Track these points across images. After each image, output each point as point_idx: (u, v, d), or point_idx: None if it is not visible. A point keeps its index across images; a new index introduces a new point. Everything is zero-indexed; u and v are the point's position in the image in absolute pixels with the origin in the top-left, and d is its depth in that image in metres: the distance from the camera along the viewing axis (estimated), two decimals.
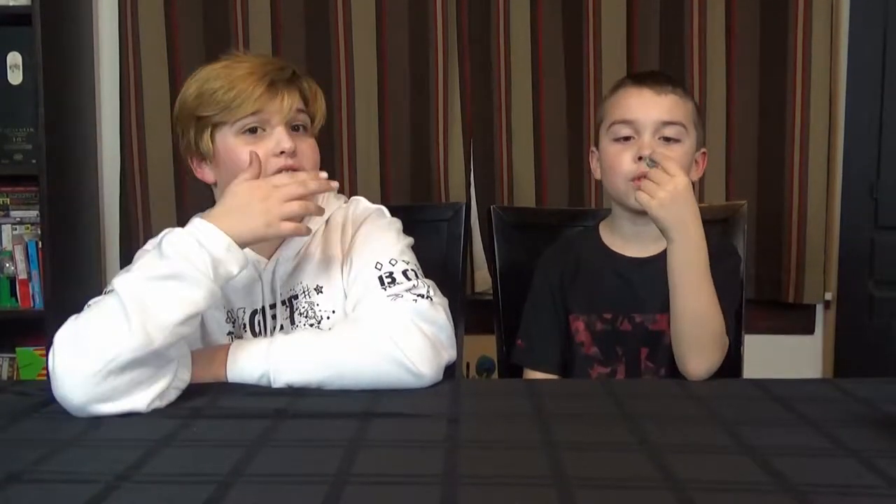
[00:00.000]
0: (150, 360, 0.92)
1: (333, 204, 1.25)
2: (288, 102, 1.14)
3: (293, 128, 1.16)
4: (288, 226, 1.03)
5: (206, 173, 1.20)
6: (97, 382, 0.90)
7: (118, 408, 0.91)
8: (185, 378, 0.99)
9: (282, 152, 1.13)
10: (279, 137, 1.13)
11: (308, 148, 1.18)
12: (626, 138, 1.27)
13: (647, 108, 1.26)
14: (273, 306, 1.18)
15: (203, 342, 1.15)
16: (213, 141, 1.16)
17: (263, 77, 1.13)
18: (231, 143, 1.15)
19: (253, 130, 1.14)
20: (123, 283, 0.95)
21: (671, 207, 1.14)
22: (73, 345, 0.92)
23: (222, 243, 0.99)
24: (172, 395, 0.97)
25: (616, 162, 1.27)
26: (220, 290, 1.00)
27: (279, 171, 1.13)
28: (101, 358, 0.90)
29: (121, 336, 0.90)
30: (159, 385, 0.94)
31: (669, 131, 1.26)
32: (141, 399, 0.93)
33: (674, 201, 1.14)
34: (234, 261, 1.00)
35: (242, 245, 1.01)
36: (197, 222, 1.01)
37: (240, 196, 1.03)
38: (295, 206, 1.03)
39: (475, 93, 2.34)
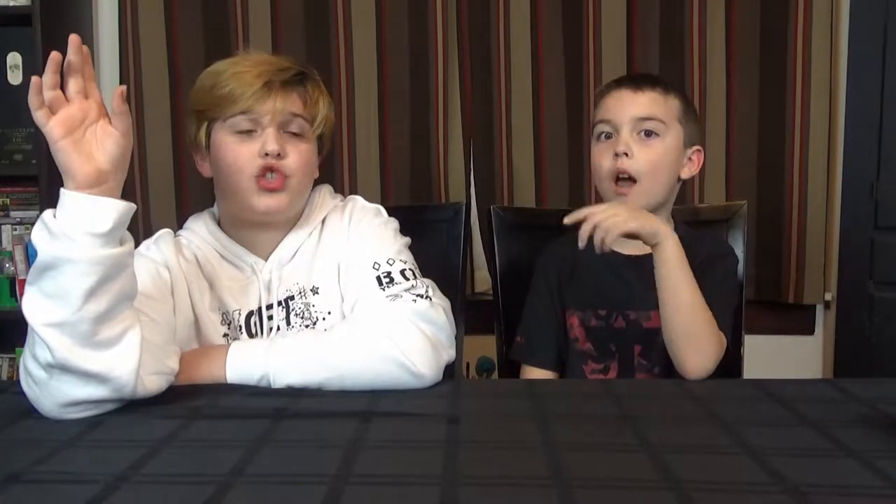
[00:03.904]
0: (81, 353, 0.89)
1: (329, 203, 1.24)
2: (280, 104, 1.13)
3: (289, 132, 1.15)
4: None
5: (204, 167, 1.20)
6: (51, 390, 0.90)
7: (88, 396, 0.90)
8: (172, 366, 0.99)
9: (266, 154, 1.12)
10: (266, 139, 1.12)
11: (298, 153, 1.15)
12: (608, 136, 1.30)
13: (623, 105, 1.30)
14: (269, 307, 1.17)
15: (199, 344, 1.15)
16: (208, 136, 1.16)
17: (259, 76, 1.12)
18: (221, 141, 1.15)
19: (244, 130, 1.13)
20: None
21: (638, 217, 1.17)
22: (24, 369, 0.93)
23: (77, 206, 0.88)
24: (159, 383, 0.96)
25: (597, 161, 1.32)
26: (114, 250, 0.89)
27: (262, 170, 1.12)
28: (38, 369, 0.90)
29: (38, 346, 0.89)
30: (125, 365, 0.91)
31: (646, 126, 1.29)
32: (114, 385, 0.90)
33: (632, 213, 1.17)
34: (98, 218, 0.88)
35: (94, 184, 0.90)
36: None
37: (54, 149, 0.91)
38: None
39: (475, 93, 2.34)
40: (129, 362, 0.91)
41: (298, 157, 1.15)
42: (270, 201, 1.14)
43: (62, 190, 0.90)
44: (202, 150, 1.18)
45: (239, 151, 1.13)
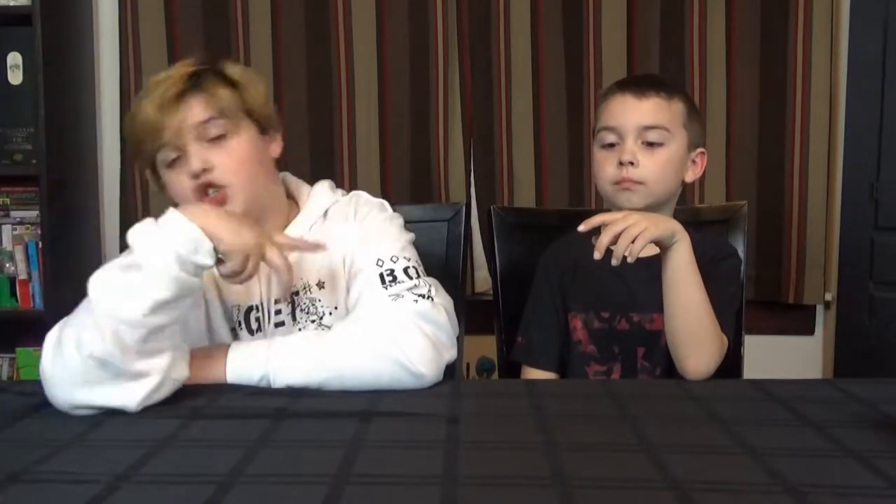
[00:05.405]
0: (126, 354, 0.90)
1: (329, 196, 1.23)
2: (185, 118, 1.09)
3: (215, 137, 1.11)
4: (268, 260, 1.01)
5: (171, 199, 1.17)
6: (76, 379, 0.90)
7: (104, 401, 0.91)
8: (182, 374, 0.98)
9: (194, 176, 1.09)
10: (189, 161, 1.09)
11: (228, 156, 1.11)
12: (612, 144, 1.29)
13: (629, 113, 1.28)
14: (277, 301, 1.17)
15: (208, 337, 1.16)
16: (155, 173, 1.15)
17: (160, 107, 1.08)
18: (165, 176, 1.14)
19: (174, 159, 1.11)
20: (94, 277, 0.94)
21: (657, 223, 1.13)
22: (55, 345, 0.92)
23: (189, 233, 0.94)
24: (167, 390, 0.96)
25: (601, 168, 1.31)
26: (195, 279, 0.95)
27: (195, 192, 1.10)
28: (76, 355, 0.89)
29: (89, 331, 0.90)
30: (148, 381, 0.92)
31: (652, 135, 1.27)
32: (129, 395, 0.91)
33: (650, 219, 1.12)
34: (205, 251, 0.94)
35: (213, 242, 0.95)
36: (168, 212, 0.96)
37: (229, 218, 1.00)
38: (276, 260, 1.01)
39: (475, 93, 2.34)
40: (145, 389, 0.92)
41: (228, 159, 1.11)
42: None
43: (184, 222, 0.94)
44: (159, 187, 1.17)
45: (175, 182, 1.11)
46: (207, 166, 1.10)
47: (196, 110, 1.10)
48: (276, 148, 1.21)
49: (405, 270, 1.12)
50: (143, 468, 0.74)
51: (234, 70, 1.16)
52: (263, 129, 1.17)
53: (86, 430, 0.87)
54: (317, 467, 0.74)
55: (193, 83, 1.11)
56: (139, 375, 0.92)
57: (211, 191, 1.11)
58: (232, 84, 1.14)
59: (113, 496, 0.67)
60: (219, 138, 1.11)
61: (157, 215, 0.96)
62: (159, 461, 0.77)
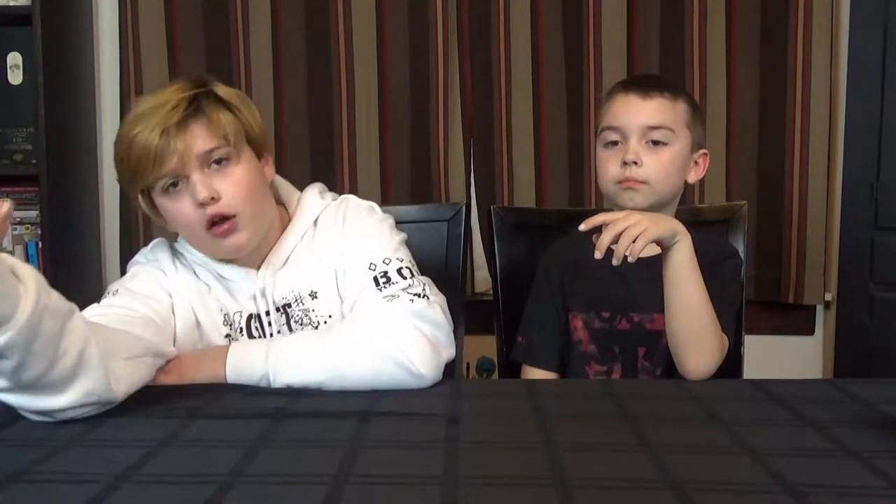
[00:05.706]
0: (42, 393, 0.84)
1: (319, 203, 1.23)
2: (190, 146, 1.05)
3: (216, 161, 1.08)
4: None
5: (165, 223, 1.15)
6: (20, 406, 0.87)
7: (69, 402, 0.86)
8: (166, 350, 0.99)
9: (201, 204, 1.07)
10: (193, 189, 1.06)
11: (233, 184, 1.08)
12: (615, 143, 1.29)
13: (633, 113, 1.28)
14: (268, 313, 1.17)
15: (202, 345, 1.15)
16: (150, 199, 1.12)
17: (163, 134, 1.04)
18: (160, 204, 1.11)
19: (175, 184, 1.08)
20: None
21: (659, 222, 1.13)
22: None
23: None
24: (132, 371, 0.93)
25: (604, 167, 1.31)
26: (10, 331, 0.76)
27: (209, 222, 1.08)
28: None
29: None
30: (95, 385, 0.86)
31: (655, 135, 1.27)
32: (97, 405, 0.88)
33: (651, 219, 1.12)
34: None
35: None
36: None
37: None
38: None
39: (475, 93, 2.34)
40: (95, 378, 0.87)
41: (234, 188, 1.09)
42: (230, 244, 1.11)
43: None
44: (154, 212, 1.14)
45: (178, 210, 1.09)
46: (215, 195, 1.07)
47: (202, 139, 1.07)
48: (269, 171, 1.19)
49: (398, 271, 1.12)
50: (143, 468, 0.74)
51: (227, 92, 1.12)
52: (259, 153, 1.16)
53: (86, 430, 0.87)
54: (317, 467, 0.74)
55: (195, 108, 1.08)
56: (78, 395, 0.86)
57: (222, 221, 1.09)
58: (229, 108, 1.10)
59: (113, 496, 0.67)
60: (221, 164, 1.09)
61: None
62: (159, 461, 0.77)
